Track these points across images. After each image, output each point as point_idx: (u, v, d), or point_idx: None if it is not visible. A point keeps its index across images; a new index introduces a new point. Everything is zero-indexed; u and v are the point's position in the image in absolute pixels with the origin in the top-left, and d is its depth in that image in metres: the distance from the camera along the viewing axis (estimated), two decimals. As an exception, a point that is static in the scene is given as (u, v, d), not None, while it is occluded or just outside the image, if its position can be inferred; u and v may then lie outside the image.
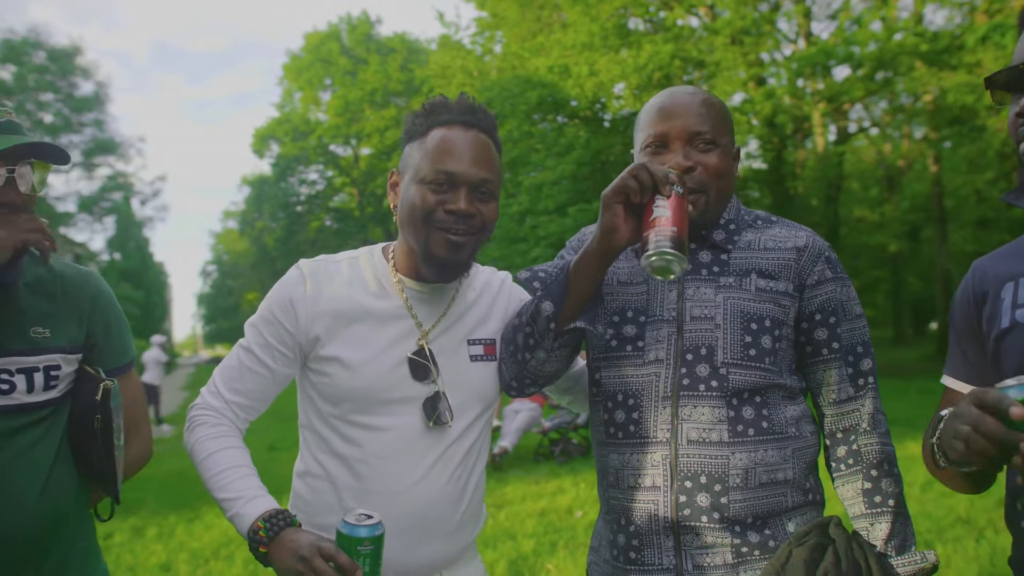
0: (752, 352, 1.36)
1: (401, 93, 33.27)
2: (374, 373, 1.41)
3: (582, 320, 1.32)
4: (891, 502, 1.38)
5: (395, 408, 1.42)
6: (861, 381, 1.42)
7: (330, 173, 36.94)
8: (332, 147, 35.57)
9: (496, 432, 9.16)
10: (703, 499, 1.33)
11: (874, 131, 23.79)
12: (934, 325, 30.72)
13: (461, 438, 1.46)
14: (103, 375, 1.53)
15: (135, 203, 35.27)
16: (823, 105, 18.24)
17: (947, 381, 1.33)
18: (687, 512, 1.34)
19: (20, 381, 1.44)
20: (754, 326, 1.37)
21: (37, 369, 1.46)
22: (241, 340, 1.50)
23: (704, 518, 1.33)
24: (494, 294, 1.57)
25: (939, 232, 21.46)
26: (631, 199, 1.25)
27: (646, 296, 1.43)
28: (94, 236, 54.10)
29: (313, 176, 36.92)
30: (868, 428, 1.41)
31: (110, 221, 33.71)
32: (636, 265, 1.45)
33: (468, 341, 1.50)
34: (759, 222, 1.48)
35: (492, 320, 1.54)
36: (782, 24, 19.30)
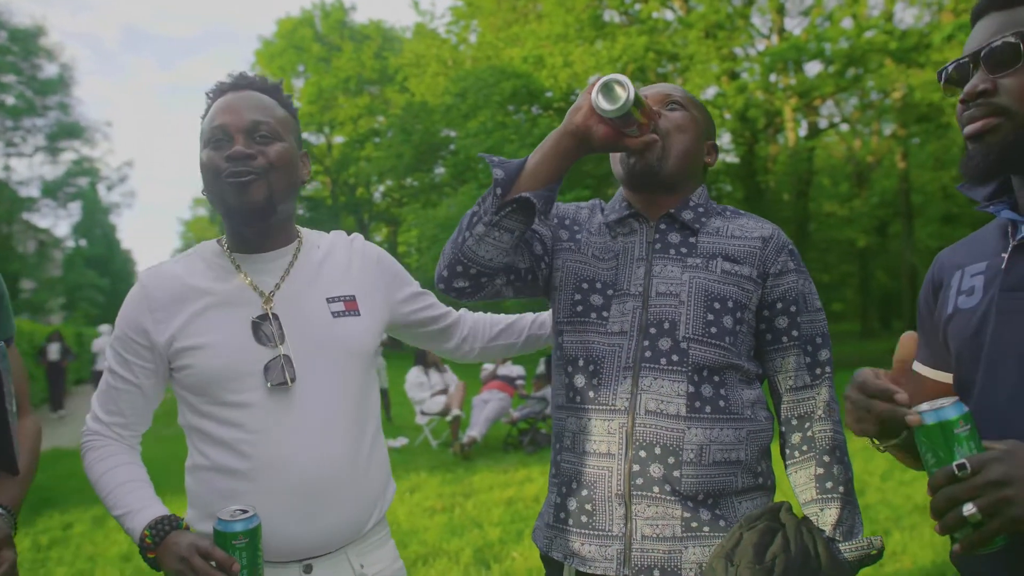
0: (713, 330, 1.40)
1: (375, 81, 33.00)
2: (232, 349, 1.43)
3: (532, 196, 1.33)
4: (841, 488, 1.41)
5: (260, 379, 1.42)
6: (818, 371, 1.46)
7: (302, 161, 36.57)
8: (305, 135, 34.44)
9: (464, 422, 9.17)
10: (656, 470, 1.36)
11: (844, 127, 24.11)
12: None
13: (342, 397, 1.47)
14: None
15: (101, 189, 34.59)
16: (794, 100, 18.44)
17: (915, 367, 1.37)
18: (639, 481, 1.37)
19: None
20: (717, 305, 1.42)
21: None
22: (107, 363, 1.53)
23: (656, 488, 1.36)
24: (347, 252, 1.60)
25: (906, 227, 21.82)
26: None
27: (615, 271, 1.48)
28: (58, 222, 53.22)
29: (285, 164, 36.50)
30: (823, 416, 1.45)
31: (75, 207, 32.89)
32: (610, 241, 1.51)
33: (327, 299, 1.52)
34: (728, 212, 1.54)
35: (350, 278, 1.57)
36: (755, 19, 19.47)
